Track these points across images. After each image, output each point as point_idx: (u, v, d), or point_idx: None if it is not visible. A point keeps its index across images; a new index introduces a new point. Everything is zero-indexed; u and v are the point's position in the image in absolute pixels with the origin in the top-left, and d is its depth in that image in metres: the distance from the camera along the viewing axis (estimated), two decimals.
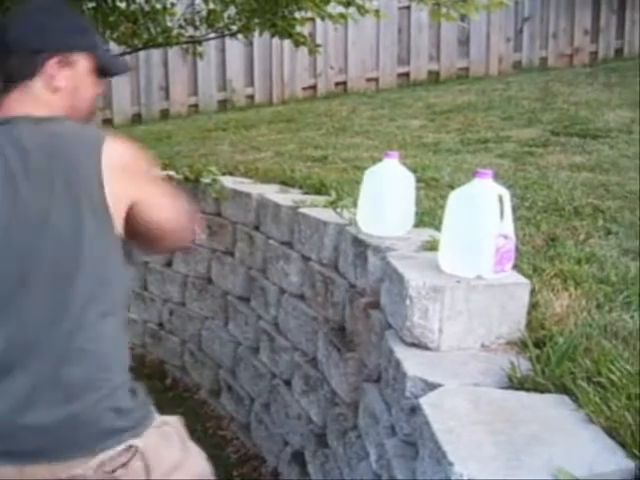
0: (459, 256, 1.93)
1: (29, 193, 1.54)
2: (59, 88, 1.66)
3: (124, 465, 1.58)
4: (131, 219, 1.62)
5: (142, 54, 6.62)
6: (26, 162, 1.55)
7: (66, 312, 1.55)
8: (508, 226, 1.91)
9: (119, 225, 1.59)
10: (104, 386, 1.58)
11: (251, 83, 7.54)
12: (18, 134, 1.58)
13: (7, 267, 1.55)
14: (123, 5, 4.15)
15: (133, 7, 4.22)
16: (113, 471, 1.56)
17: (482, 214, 1.88)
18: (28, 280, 1.55)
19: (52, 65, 1.64)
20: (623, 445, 1.38)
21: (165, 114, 7.25)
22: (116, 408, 1.59)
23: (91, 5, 3.92)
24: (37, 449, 1.54)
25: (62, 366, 1.55)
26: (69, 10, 1.81)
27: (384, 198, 2.37)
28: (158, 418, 1.71)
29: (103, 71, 1.77)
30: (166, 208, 1.72)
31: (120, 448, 1.57)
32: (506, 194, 1.91)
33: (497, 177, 1.95)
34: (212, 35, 4.56)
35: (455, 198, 1.97)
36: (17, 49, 1.65)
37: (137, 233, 1.64)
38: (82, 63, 1.70)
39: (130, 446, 1.58)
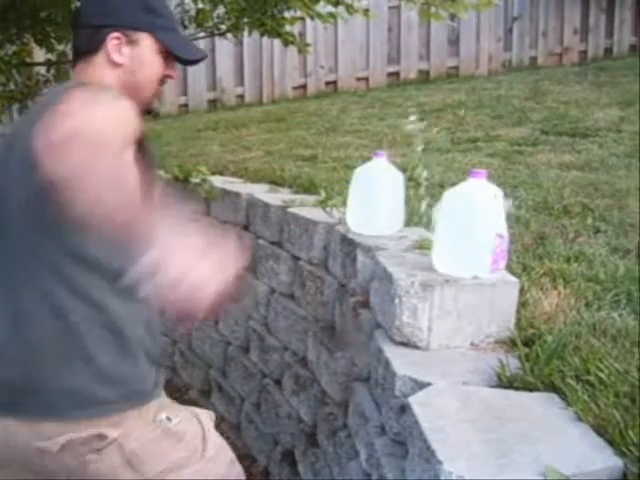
0: (455, 256, 1.93)
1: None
2: (118, 64, 1.71)
3: (97, 451, 1.59)
4: None
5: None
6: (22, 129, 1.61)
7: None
8: (502, 225, 1.92)
9: None
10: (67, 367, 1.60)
11: (241, 82, 7.53)
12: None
13: None
14: None
15: None
16: (82, 455, 1.58)
17: (478, 214, 1.88)
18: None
19: (112, 41, 1.70)
20: (611, 443, 1.38)
21: (155, 114, 7.23)
22: (77, 388, 1.59)
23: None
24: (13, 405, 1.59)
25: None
26: None
27: (373, 198, 2.37)
28: (170, 412, 1.71)
29: (173, 55, 1.78)
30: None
31: (88, 433, 1.57)
32: (500, 193, 1.91)
33: (488, 176, 1.94)
34: (201, 35, 4.55)
35: (450, 198, 1.96)
36: (83, 24, 1.75)
37: None
38: (146, 42, 1.73)
39: (100, 434, 1.58)
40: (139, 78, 1.75)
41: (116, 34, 1.70)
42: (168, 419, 1.70)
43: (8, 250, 1.62)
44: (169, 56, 1.78)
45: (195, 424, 1.76)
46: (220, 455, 1.80)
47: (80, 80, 1.71)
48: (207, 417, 1.80)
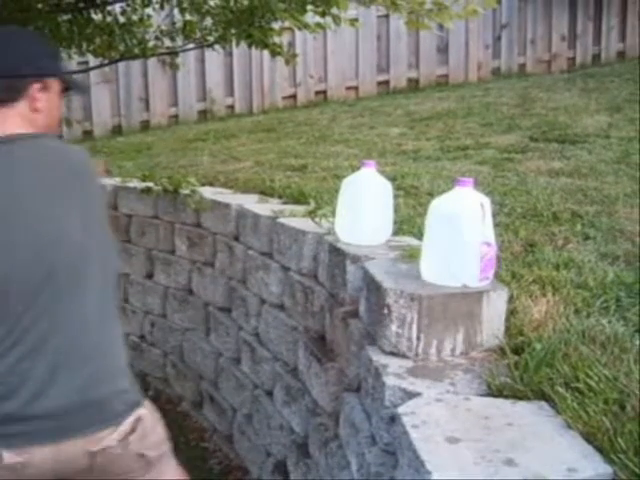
0: (443, 266, 1.93)
1: (42, 203, 1.75)
2: (39, 109, 1.84)
3: (134, 431, 1.82)
4: None
5: (121, 66, 6.60)
6: (38, 175, 1.76)
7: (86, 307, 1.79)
8: (490, 234, 1.92)
9: None
10: (116, 372, 1.84)
11: (231, 93, 7.54)
12: (22, 151, 1.78)
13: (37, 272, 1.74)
14: (99, 17, 4.14)
15: (109, 19, 4.21)
16: (126, 437, 1.81)
17: (465, 223, 1.88)
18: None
19: (35, 89, 1.82)
20: (601, 450, 1.38)
21: (145, 125, 7.23)
22: (124, 389, 1.84)
23: (66, 17, 3.90)
24: (68, 426, 1.76)
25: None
26: (40, 37, 2.06)
27: (361, 208, 2.37)
28: None
29: (67, 90, 1.99)
30: None
31: (132, 419, 1.82)
32: (487, 202, 1.91)
33: (477, 184, 1.94)
34: (189, 46, 4.55)
35: (436, 207, 1.96)
36: (4, 74, 1.82)
37: None
38: (55, 86, 1.89)
39: (138, 417, 1.84)
40: (53, 118, 1.91)
41: (39, 83, 1.83)
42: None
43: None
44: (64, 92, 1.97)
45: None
46: None
47: (18, 129, 1.80)
48: None
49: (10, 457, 1.71)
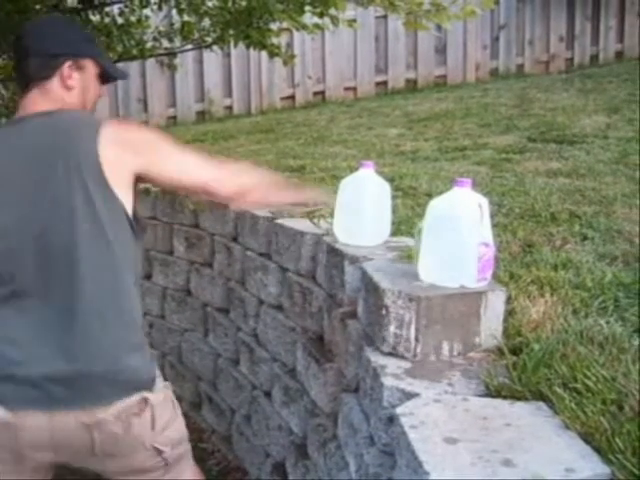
0: (441, 266, 1.93)
1: (36, 179, 1.81)
2: (72, 87, 1.96)
3: (137, 414, 1.84)
4: (154, 181, 1.96)
5: (119, 66, 6.60)
6: (31, 152, 1.84)
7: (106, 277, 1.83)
8: (488, 234, 1.92)
9: (124, 195, 1.83)
10: (121, 348, 1.85)
11: (229, 94, 7.54)
12: (28, 129, 1.87)
13: (26, 243, 1.82)
14: (97, 18, 4.15)
15: (107, 20, 4.21)
16: (127, 418, 1.83)
17: (463, 223, 1.88)
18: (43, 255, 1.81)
19: (66, 67, 1.94)
20: (599, 450, 1.38)
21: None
22: (130, 366, 1.85)
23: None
24: (66, 398, 1.80)
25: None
26: (77, 23, 2.18)
27: (360, 209, 2.37)
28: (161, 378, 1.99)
29: (105, 76, 2.08)
30: (187, 168, 1.92)
31: (135, 399, 1.84)
32: (485, 202, 1.91)
33: (475, 184, 1.94)
34: (187, 47, 4.56)
35: (435, 207, 1.96)
36: (37, 53, 1.95)
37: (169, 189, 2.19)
38: (90, 68, 2.00)
39: (144, 398, 1.85)
40: (87, 98, 2.01)
41: (70, 61, 1.95)
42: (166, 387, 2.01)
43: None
44: (102, 78, 2.07)
45: (169, 387, 2.07)
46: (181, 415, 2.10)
47: (46, 109, 1.91)
48: (169, 384, 2.08)
49: (5, 414, 1.79)
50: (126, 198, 1.84)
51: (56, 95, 1.94)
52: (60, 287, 1.81)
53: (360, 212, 2.38)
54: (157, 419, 1.88)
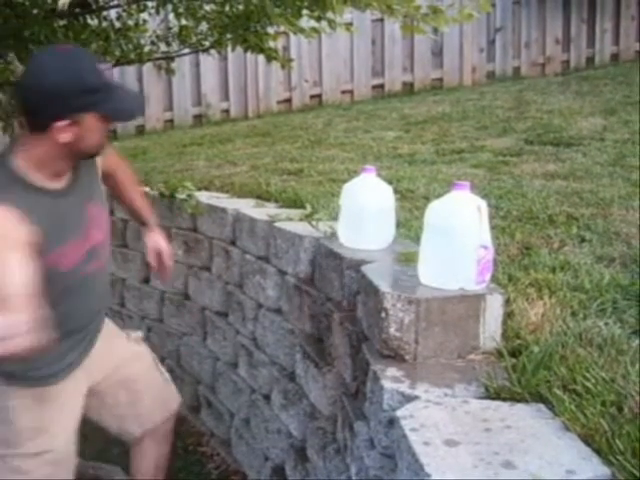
0: (441, 269, 1.93)
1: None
2: (65, 141, 1.96)
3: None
4: None
5: (116, 70, 6.57)
6: None
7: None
8: (487, 237, 1.92)
9: None
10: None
11: (226, 97, 7.54)
12: None
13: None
14: (95, 23, 4.14)
15: (104, 24, 4.21)
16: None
17: (462, 226, 1.89)
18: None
19: (60, 126, 1.93)
20: (599, 452, 1.39)
21: (141, 130, 7.22)
22: None
23: (62, 23, 3.91)
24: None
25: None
26: (81, 68, 1.97)
27: (363, 214, 2.37)
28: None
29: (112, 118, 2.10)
30: None
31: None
32: (484, 205, 1.92)
33: (472, 187, 1.95)
34: (185, 51, 4.56)
35: (433, 210, 1.97)
36: (30, 109, 1.98)
37: None
38: (89, 119, 1.98)
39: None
40: (84, 146, 2.03)
41: (61, 123, 1.93)
42: None
43: None
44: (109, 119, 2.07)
45: None
46: None
47: (26, 156, 2.01)
48: None
49: None
50: None
51: (49, 148, 1.99)
52: None
53: (363, 217, 2.38)
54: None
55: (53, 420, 2.29)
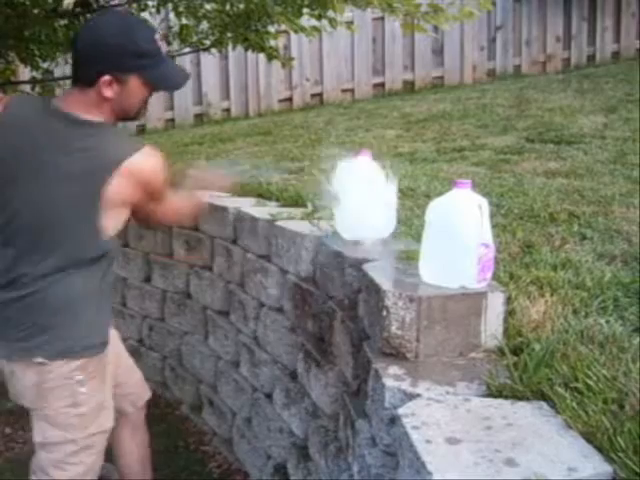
0: (441, 267, 1.93)
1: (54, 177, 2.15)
2: (108, 98, 2.14)
3: None
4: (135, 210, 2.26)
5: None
6: (60, 155, 2.14)
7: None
8: (488, 235, 1.92)
9: (106, 214, 2.17)
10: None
11: (227, 96, 7.55)
12: (61, 130, 2.15)
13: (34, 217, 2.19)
14: None
15: None
16: None
17: (463, 224, 1.89)
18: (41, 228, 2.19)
19: (105, 81, 2.11)
20: (600, 449, 1.39)
21: (142, 129, 7.23)
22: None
23: (63, 23, 3.91)
24: None
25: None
26: (135, 33, 2.15)
27: (358, 197, 2.35)
28: None
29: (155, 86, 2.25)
30: (167, 211, 2.41)
31: None
32: (485, 203, 1.92)
33: (473, 185, 1.95)
34: (185, 50, 4.56)
35: (434, 208, 1.97)
36: (82, 62, 2.15)
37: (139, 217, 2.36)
38: (132, 81, 2.15)
39: None
40: (125, 106, 2.20)
41: (107, 77, 2.10)
42: None
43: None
44: (151, 87, 2.24)
45: None
46: None
47: (81, 113, 2.16)
48: None
49: None
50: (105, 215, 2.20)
51: (93, 101, 2.14)
52: None
53: (359, 201, 2.36)
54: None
55: (106, 395, 2.43)
